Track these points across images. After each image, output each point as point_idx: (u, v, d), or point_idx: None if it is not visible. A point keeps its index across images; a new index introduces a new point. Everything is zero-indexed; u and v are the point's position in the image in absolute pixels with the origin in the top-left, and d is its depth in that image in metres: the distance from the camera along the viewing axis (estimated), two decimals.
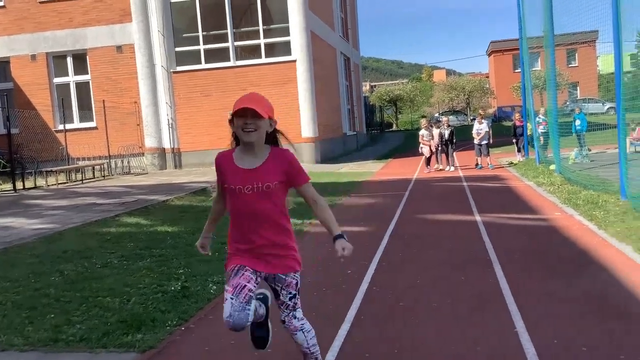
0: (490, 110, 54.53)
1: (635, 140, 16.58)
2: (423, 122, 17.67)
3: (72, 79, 22.90)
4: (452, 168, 16.58)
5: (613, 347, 3.74)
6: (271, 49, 22.00)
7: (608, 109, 34.50)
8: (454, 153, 17.09)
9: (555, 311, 4.52)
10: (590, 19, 10.56)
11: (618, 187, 9.10)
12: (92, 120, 22.47)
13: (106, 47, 22.05)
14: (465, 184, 13.47)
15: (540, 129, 16.29)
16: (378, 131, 44.78)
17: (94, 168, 19.93)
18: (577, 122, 16.50)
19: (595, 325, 4.17)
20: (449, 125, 17.15)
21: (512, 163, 17.28)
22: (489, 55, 64.17)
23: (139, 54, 21.56)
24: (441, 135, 16.79)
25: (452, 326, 4.36)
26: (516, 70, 51.55)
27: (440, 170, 16.58)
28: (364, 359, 3.84)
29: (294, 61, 21.14)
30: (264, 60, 21.63)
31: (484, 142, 16.55)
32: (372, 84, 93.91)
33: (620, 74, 8.69)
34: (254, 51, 22.13)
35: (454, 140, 17.00)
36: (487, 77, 66.07)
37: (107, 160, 21.00)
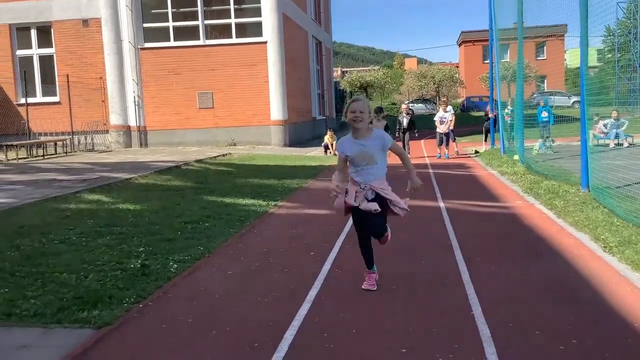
0: (459, 100, 55.03)
1: (598, 133, 16.94)
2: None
3: (35, 51, 22.27)
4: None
5: (566, 332, 3.82)
6: (242, 30, 21.75)
7: (573, 102, 35.11)
8: (409, 142, 16.82)
9: (512, 296, 4.60)
10: (560, 12, 10.69)
11: (579, 178, 9.27)
12: (55, 94, 21.92)
13: (72, 20, 21.49)
14: (431, 171, 13.58)
15: (509, 120, 16.49)
16: None
17: (56, 144, 19.49)
18: (544, 114, 16.76)
19: (550, 310, 4.26)
20: (407, 114, 16.99)
21: (477, 152, 17.48)
22: (460, 45, 64.64)
23: (105, 29, 21.06)
24: (399, 123, 16.57)
25: (410, 308, 4.40)
26: (485, 61, 52.12)
27: None
28: (323, 339, 3.85)
29: (265, 42, 20.94)
30: (234, 40, 21.37)
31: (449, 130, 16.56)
32: (344, 69, 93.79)
33: (585, 68, 8.81)
34: (224, 31, 21.85)
35: (415, 129, 16.74)
36: (457, 67, 66.59)
37: (70, 137, 20.56)
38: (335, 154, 18.39)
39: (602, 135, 16.98)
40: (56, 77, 21.88)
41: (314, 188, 11.24)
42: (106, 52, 21.18)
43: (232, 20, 21.35)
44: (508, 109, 17.01)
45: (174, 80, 21.25)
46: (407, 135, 16.57)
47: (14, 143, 17.77)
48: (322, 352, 3.65)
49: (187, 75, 21.19)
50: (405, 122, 16.54)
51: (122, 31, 21.14)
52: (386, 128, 11.49)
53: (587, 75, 8.78)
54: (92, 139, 21.23)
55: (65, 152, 19.42)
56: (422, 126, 25.95)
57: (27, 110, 20.31)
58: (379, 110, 12.25)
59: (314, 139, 25.74)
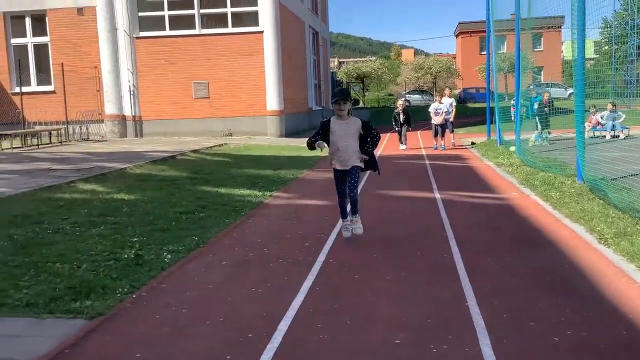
0: (456, 92, 54.92)
1: (594, 124, 16.93)
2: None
3: (30, 40, 22.11)
4: (404, 147, 16.54)
5: (560, 323, 3.81)
6: (238, 19, 21.61)
7: (570, 94, 35.07)
8: (407, 133, 16.89)
9: (507, 287, 4.58)
10: (558, 4, 10.64)
11: (575, 169, 9.27)
12: (50, 84, 21.78)
13: (67, 9, 21.32)
14: (427, 162, 13.56)
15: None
16: None
17: (50, 133, 19.38)
18: (536, 105, 16.74)
19: (545, 301, 4.24)
20: (403, 110, 16.80)
21: (473, 143, 17.45)
22: (457, 36, 64.48)
23: (100, 17, 20.90)
24: (395, 119, 16.74)
25: (404, 299, 4.38)
26: (482, 53, 52.05)
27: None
28: (317, 329, 3.83)
29: (261, 32, 20.82)
30: (230, 29, 21.24)
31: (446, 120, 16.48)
32: (341, 60, 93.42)
33: (582, 60, 8.77)
34: (220, 20, 21.70)
35: (410, 122, 16.93)
36: (454, 58, 66.45)
37: (65, 126, 20.43)
38: None
39: (598, 126, 16.97)
40: (51, 66, 21.73)
41: (310, 179, 11.21)
42: (101, 41, 21.03)
43: (228, 10, 21.21)
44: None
45: (169, 70, 21.13)
46: (404, 129, 16.74)
47: (9, 132, 17.65)
48: (316, 343, 3.64)
49: (183, 64, 21.07)
50: (402, 118, 16.68)
51: (117, 20, 20.98)
52: (367, 132, 6.04)
53: (583, 67, 8.73)
54: (87, 129, 21.11)
55: (60, 142, 19.32)
56: (418, 118, 25.91)
57: (21, 99, 20.16)
58: (341, 93, 6.16)
59: (310, 130, 25.65)
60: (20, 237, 6.19)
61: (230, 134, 21.08)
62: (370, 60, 62.07)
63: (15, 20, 21.99)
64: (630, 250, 5.27)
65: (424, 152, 16.07)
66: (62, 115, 20.77)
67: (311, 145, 6.12)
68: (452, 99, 17.41)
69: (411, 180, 10.79)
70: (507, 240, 6.10)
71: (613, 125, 16.56)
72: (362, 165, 6.13)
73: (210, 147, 17.15)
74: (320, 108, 30.12)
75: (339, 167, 6.13)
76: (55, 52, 21.54)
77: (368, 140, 6.03)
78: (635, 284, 4.56)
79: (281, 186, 9.98)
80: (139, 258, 5.43)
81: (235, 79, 21.04)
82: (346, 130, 5.97)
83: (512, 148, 13.91)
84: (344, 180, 6.13)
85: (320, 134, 6.09)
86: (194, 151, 15.70)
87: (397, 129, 16.86)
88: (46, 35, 21.75)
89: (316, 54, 30.14)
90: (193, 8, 21.08)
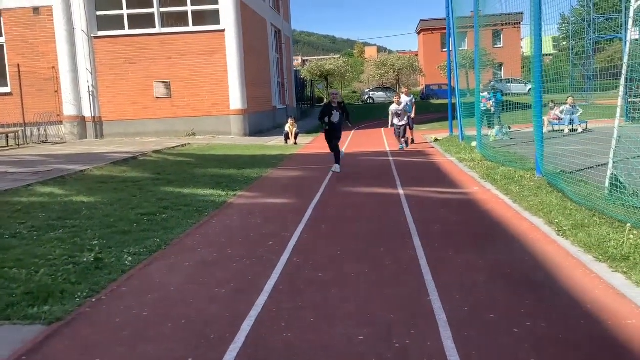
0: (419, 88, 55.44)
1: (553, 119, 17.27)
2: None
3: None
4: (338, 168, 11.65)
5: (520, 315, 3.88)
6: (199, 17, 21.37)
7: (530, 89, 35.74)
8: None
9: (468, 280, 4.64)
10: (516, 0, 10.81)
11: (534, 163, 9.45)
12: (6, 85, 21.17)
13: (22, 9, 20.73)
14: (391, 158, 13.65)
15: (490, 106, 16.67)
16: (309, 105, 44.73)
17: (7, 136, 18.85)
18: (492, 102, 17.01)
19: (505, 293, 4.31)
20: (339, 105, 11.64)
21: (436, 139, 17.64)
22: (419, 33, 65.04)
23: (57, 17, 20.41)
24: (327, 117, 13.92)
25: (368, 295, 4.40)
26: (444, 50, 52.64)
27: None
28: (280, 328, 3.82)
29: (223, 31, 20.63)
30: (191, 28, 20.98)
31: (404, 121, 15.90)
32: (304, 58, 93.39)
33: (539, 55, 8.94)
34: (181, 19, 21.43)
35: (343, 120, 11.61)
36: (417, 55, 67.04)
37: (22, 128, 19.89)
38: (296, 143, 18.34)
39: (556, 121, 17.32)
40: (6, 67, 21.12)
41: (274, 177, 11.16)
42: (58, 41, 20.53)
43: (189, 8, 20.95)
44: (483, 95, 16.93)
45: (129, 70, 20.78)
46: (334, 136, 11.65)
47: None
48: (279, 342, 3.62)
49: (144, 64, 20.74)
50: (334, 116, 11.39)
51: (74, 19, 20.52)
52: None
53: (540, 62, 8.90)
54: (45, 131, 20.60)
55: (18, 145, 18.82)
56: (381, 114, 26.09)
57: None
58: None
59: (275, 128, 25.57)
60: None
61: (194, 134, 20.85)
62: (334, 58, 62.17)
63: None
64: (587, 241, 5.39)
65: (387, 148, 16.17)
66: (19, 117, 20.24)
67: None
68: (411, 96, 17.41)
69: (374, 177, 10.84)
70: (469, 235, 6.18)
71: (571, 120, 16.92)
72: None
73: (173, 147, 16.94)
74: (285, 106, 30.05)
75: None
76: (11, 53, 20.95)
77: None
78: (592, 274, 4.67)
79: (245, 185, 9.92)
80: (98, 261, 5.33)
81: (198, 78, 20.82)
82: None
83: (474, 143, 14.12)
84: None
85: None
86: (156, 152, 15.49)
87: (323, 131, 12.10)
88: (1, 35, 21.15)
89: (279, 53, 30.03)
90: (153, 7, 20.75)
